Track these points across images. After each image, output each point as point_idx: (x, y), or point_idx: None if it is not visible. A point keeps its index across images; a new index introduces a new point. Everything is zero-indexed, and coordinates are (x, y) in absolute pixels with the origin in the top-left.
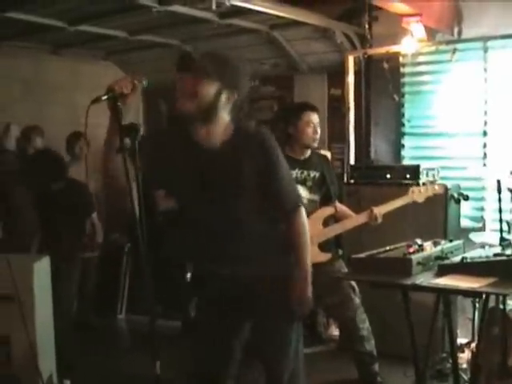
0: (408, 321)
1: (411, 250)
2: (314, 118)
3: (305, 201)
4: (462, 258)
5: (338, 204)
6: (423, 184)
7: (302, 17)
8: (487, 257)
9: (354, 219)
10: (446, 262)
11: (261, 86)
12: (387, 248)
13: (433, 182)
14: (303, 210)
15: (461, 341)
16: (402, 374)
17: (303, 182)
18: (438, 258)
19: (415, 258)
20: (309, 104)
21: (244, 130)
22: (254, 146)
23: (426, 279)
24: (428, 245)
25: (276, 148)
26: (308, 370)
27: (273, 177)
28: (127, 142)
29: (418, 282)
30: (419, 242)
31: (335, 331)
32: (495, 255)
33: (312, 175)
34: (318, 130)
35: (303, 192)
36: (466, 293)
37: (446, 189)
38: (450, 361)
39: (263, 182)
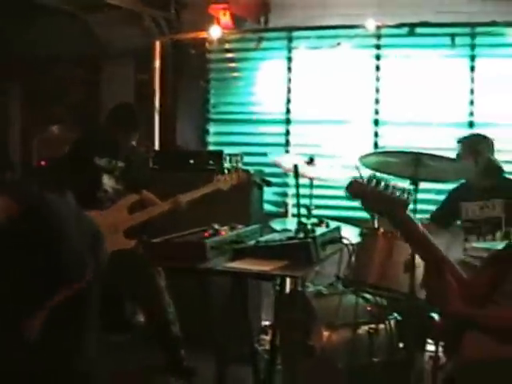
0: (205, 305)
1: (206, 234)
2: None
3: (110, 190)
4: (256, 242)
5: (144, 191)
6: (228, 172)
7: None
8: (280, 240)
9: (160, 206)
10: (241, 245)
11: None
12: (184, 233)
13: (237, 170)
14: None
15: (265, 323)
16: (207, 358)
17: (111, 171)
18: (233, 242)
19: (209, 242)
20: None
21: None
22: None
23: (219, 263)
24: (224, 229)
25: None
26: (116, 357)
27: None
28: None
29: (211, 265)
30: (216, 226)
31: (142, 318)
32: (288, 238)
33: (119, 164)
34: None
35: (110, 181)
36: (258, 275)
37: (250, 176)
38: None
39: None
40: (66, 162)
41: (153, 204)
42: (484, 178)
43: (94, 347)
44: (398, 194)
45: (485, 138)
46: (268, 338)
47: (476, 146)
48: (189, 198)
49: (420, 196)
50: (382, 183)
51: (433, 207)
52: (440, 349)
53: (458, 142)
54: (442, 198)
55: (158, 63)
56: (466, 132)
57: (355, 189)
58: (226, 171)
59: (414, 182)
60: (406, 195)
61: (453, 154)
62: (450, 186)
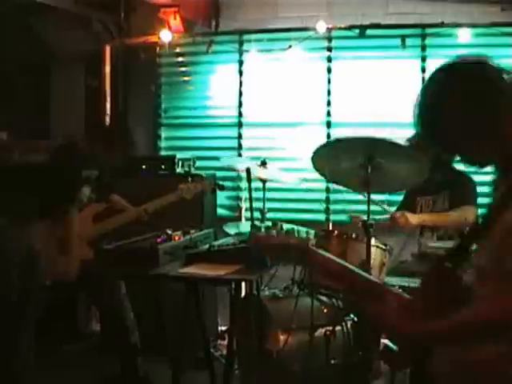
0: (158, 311)
1: (159, 240)
2: None
3: (85, 200)
4: (210, 247)
5: (115, 197)
6: (192, 180)
7: (56, 2)
8: (234, 244)
9: (125, 215)
10: (194, 250)
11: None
12: (136, 238)
13: (201, 178)
14: None
15: (221, 328)
16: (163, 365)
17: (86, 181)
18: (186, 247)
19: (162, 247)
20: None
21: None
22: None
23: (173, 269)
24: (177, 234)
25: None
26: (69, 367)
27: None
28: None
29: (164, 271)
30: (169, 231)
31: (97, 326)
32: (242, 242)
33: (94, 173)
34: None
35: (87, 191)
36: (212, 280)
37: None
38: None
39: None
40: (45, 172)
41: (122, 210)
42: (435, 172)
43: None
44: (300, 237)
45: None
46: (225, 342)
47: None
48: (155, 207)
49: (373, 197)
50: (283, 230)
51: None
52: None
53: (408, 140)
54: (394, 197)
55: (108, 68)
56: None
57: (257, 241)
58: (189, 179)
59: (367, 185)
60: (308, 238)
61: None
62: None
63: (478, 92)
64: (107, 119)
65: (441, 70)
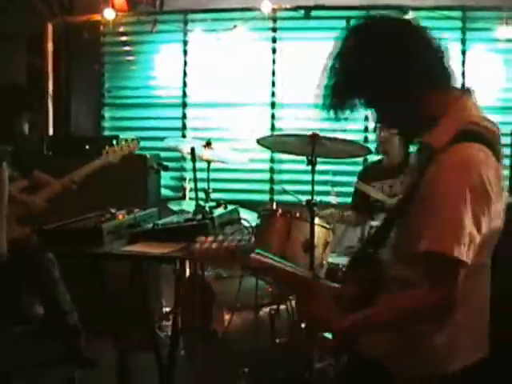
0: (101, 293)
1: (103, 219)
2: None
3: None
4: (154, 225)
5: (37, 173)
6: (117, 144)
7: None
8: (178, 222)
9: (48, 190)
10: (138, 229)
11: None
12: (79, 218)
13: (126, 140)
14: None
15: (166, 309)
16: (108, 346)
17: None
18: (130, 226)
19: (106, 226)
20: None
21: None
22: None
23: (116, 247)
24: (121, 213)
25: None
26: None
27: None
28: None
29: (108, 250)
30: (112, 210)
31: (40, 309)
32: (186, 220)
33: (8, 149)
34: None
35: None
36: (154, 258)
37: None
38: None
39: None
40: None
41: (47, 184)
42: (391, 157)
43: None
44: (227, 242)
45: None
46: (169, 323)
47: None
48: (81, 174)
49: (317, 178)
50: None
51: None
52: None
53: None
54: (339, 179)
55: (50, 46)
56: None
57: (193, 254)
58: (114, 143)
59: (311, 162)
60: (234, 241)
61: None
62: (350, 168)
63: (397, 44)
64: (49, 99)
65: (361, 24)
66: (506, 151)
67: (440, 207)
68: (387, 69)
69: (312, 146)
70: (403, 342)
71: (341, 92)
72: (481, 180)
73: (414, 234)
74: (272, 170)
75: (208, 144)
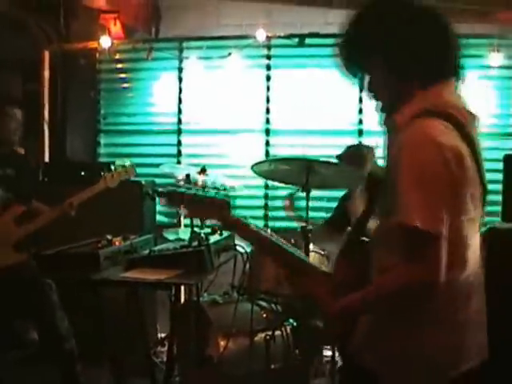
0: (98, 318)
1: (100, 245)
2: (13, 112)
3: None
4: (150, 251)
5: (35, 203)
6: (114, 169)
7: None
8: (174, 249)
9: (47, 215)
10: (135, 255)
11: None
12: (76, 244)
13: (124, 166)
14: None
15: (161, 335)
16: (104, 372)
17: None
18: (127, 252)
19: (103, 252)
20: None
21: None
22: None
23: (113, 273)
24: (117, 240)
25: None
26: (10, 375)
27: None
28: None
29: (105, 276)
30: (109, 237)
31: (34, 334)
32: (182, 247)
33: (7, 172)
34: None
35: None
36: (150, 285)
37: (141, 183)
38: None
39: None
40: None
41: (42, 213)
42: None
43: None
44: (216, 195)
45: (368, 147)
46: (164, 349)
47: (361, 154)
48: (78, 200)
49: (312, 204)
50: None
51: (324, 214)
52: (336, 353)
53: (337, 157)
54: (333, 204)
55: (47, 73)
56: (356, 140)
57: (172, 199)
58: (112, 168)
59: (306, 189)
60: (225, 195)
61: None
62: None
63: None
64: (45, 125)
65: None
66: (499, 176)
67: (402, 184)
68: (409, 36)
69: (306, 175)
70: (399, 350)
71: (361, 42)
72: (437, 151)
73: (390, 213)
74: (266, 197)
75: (203, 170)
